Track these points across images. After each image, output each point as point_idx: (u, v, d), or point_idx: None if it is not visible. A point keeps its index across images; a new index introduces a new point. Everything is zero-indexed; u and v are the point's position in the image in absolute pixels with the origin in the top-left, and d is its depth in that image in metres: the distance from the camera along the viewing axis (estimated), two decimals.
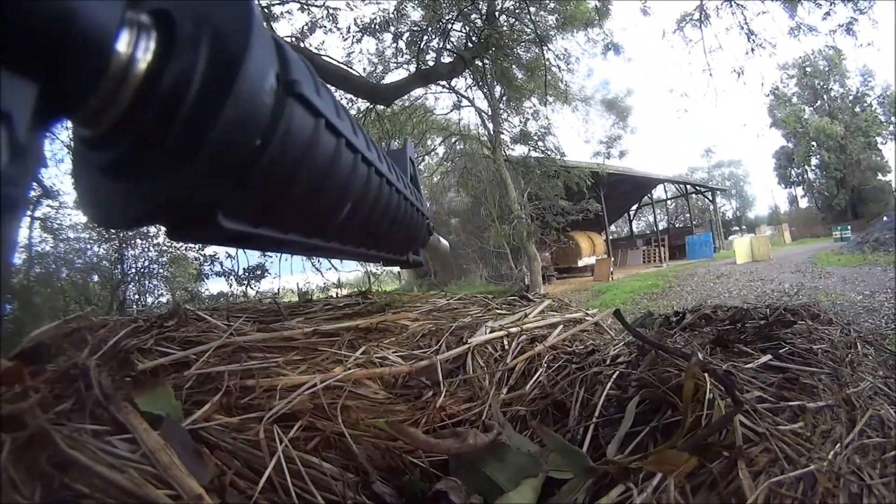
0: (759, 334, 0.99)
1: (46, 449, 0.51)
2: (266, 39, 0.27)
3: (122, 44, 0.24)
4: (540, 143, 10.35)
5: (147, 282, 9.82)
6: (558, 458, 0.69)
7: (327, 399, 0.74)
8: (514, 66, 9.59)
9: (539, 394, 0.92)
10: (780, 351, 0.90)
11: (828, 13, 9.32)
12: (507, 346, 1.10)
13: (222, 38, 0.26)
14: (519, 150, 10.82)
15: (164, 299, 9.85)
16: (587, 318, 1.42)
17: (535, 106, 10.56)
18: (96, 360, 0.72)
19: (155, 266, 9.86)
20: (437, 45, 9.04)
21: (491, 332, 1.15)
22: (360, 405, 0.78)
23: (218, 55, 0.25)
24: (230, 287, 9.20)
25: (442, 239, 0.81)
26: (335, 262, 8.24)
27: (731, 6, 9.72)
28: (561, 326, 1.27)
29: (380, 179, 0.45)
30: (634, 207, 29.45)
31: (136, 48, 0.24)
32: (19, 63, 0.21)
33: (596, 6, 9.97)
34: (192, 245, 8.83)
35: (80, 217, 8.75)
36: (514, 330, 1.18)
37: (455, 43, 9.16)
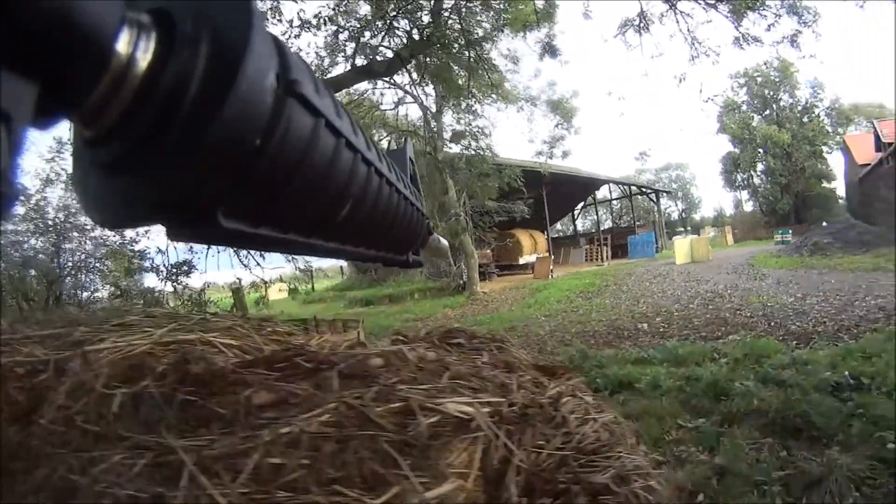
0: None
1: None
2: (266, 39, 0.28)
3: (122, 43, 0.24)
4: (472, 143, 10.42)
5: (83, 276, 9.33)
6: None
7: None
8: (453, 65, 9.60)
9: None
10: None
11: (772, 24, 9.47)
12: None
13: (222, 38, 0.26)
14: (458, 149, 10.87)
15: (99, 294, 9.41)
16: None
17: (472, 105, 10.62)
18: None
19: (91, 260, 9.38)
20: (377, 42, 8.96)
21: None
22: None
23: (218, 54, 0.26)
24: (161, 282, 8.90)
25: (442, 239, 0.81)
26: (259, 258, 8.09)
27: (676, 14, 9.96)
28: None
29: (379, 179, 0.45)
30: (579, 207, 30.24)
31: (135, 47, 0.25)
32: (19, 63, 0.21)
33: (535, 9, 10.03)
34: (126, 238, 8.55)
35: (16, 209, 8.17)
36: None
37: (398, 40, 9.10)
